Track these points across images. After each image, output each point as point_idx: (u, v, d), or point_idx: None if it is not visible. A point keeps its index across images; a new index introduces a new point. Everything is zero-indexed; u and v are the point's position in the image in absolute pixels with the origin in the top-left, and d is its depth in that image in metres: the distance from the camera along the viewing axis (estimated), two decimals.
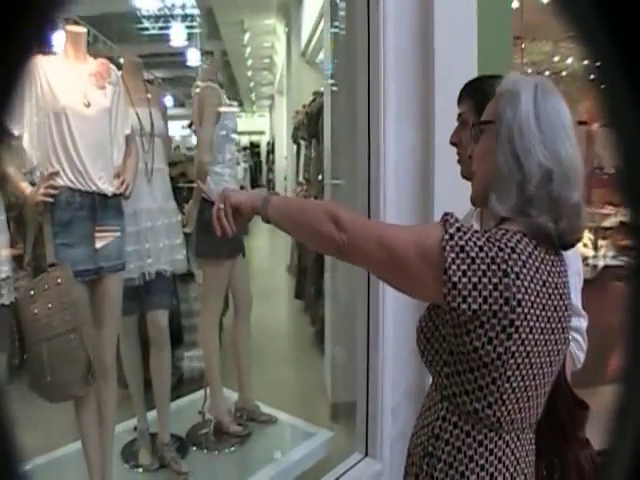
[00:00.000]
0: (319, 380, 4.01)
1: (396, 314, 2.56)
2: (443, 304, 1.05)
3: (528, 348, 1.06)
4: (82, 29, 2.27)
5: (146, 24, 8.68)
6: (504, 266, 1.03)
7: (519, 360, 1.06)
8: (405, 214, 2.50)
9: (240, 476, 2.93)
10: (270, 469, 2.92)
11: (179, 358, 3.89)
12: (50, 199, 2.15)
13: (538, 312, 1.06)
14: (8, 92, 0.48)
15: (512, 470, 1.12)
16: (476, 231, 1.08)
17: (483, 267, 1.03)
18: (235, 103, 3.18)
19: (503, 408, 1.09)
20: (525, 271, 1.04)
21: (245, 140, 21.20)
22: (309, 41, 6.27)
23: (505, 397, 1.08)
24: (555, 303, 1.09)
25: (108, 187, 2.29)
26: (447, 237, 1.05)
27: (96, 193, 2.24)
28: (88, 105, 2.22)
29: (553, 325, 1.09)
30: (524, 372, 1.08)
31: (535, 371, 1.09)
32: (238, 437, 3.20)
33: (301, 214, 1.20)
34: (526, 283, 1.04)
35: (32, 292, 2.11)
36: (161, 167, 2.80)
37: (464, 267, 1.03)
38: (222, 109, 2.92)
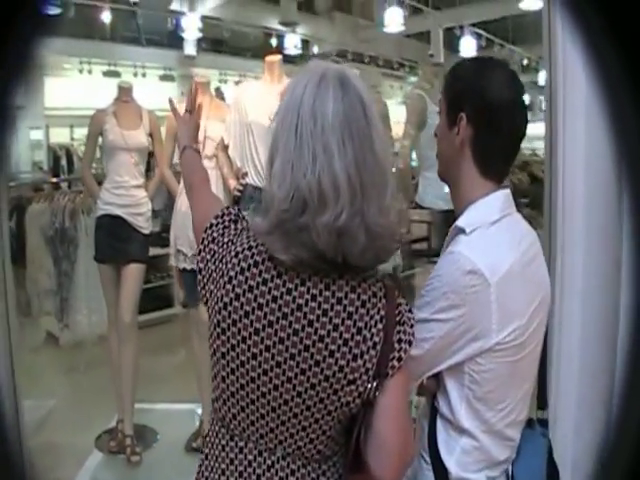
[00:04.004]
0: None
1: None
2: None
3: (242, 358, 1.03)
4: (277, 57, 2.80)
5: None
6: (223, 266, 1.05)
7: (232, 365, 1.04)
8: None
9: None
10: None
11: None
12: (239, 193, 2.79)
13: (259, 325, 1.01)
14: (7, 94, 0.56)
15: (233, 479, 1.10)
16: (238, 228, 1.11)
17: (217, 263, 1.07)
18: None
19: (225, 408, 1.09)
20: (242, 278, 1.02)
21: None
22: None
23: (225, 397, 1.08)
24: (297, 326, 1.00)
25: None
26: (208, 225, 1.12)
27: None
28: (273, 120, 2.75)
29: (300, 347, 1.00)
30: (242, 382, 1.04)
31: (264, 388, 1.03)
32: None
33: (185, 173, 1.42)
34: (239, 290, 1.02)
35: None
36: None
37: (208, 256, 1.09)
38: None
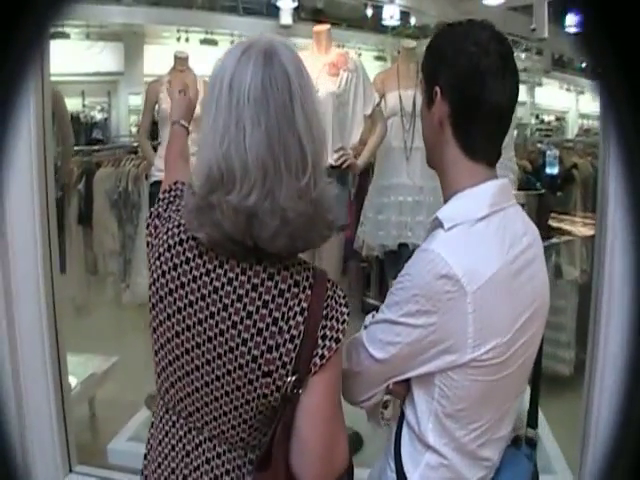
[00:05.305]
0: None
1: None
2: None
3: (168, 335, 1.01)
4: (324, 27, 2.69)
5: None
6: (158, 242, 1.03)
7: (161, 341, 1.03)
8: None
9: None
10: None
11: None
12: None
13: (181, 304, 0.99)
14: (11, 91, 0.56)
15: (167, 451, 1.10)
16: (181, 204, 1.07)
17: (156, 238, 1.05)
18: None
19: (159, 381, 1.08)
20: (168, 255, 1.01)
21: None
22: None
23: (158, 370, 1.07)
24: (213, 309, 0.96)
25: (327, 160, 2.70)
26: (157, 199, 1.14)
27: None
28: (316, 91, 2.66)
29: (215, 331, 0.96)
30: (170, 358, 1.03)
31: (187, 368, 1.01)
32: None
33: (167, 149, 1.43)
34: (165, 267, 1.00)
35: None
36: (422, 146, 2.93)
37: (152, 230, 1.08)
38: None
